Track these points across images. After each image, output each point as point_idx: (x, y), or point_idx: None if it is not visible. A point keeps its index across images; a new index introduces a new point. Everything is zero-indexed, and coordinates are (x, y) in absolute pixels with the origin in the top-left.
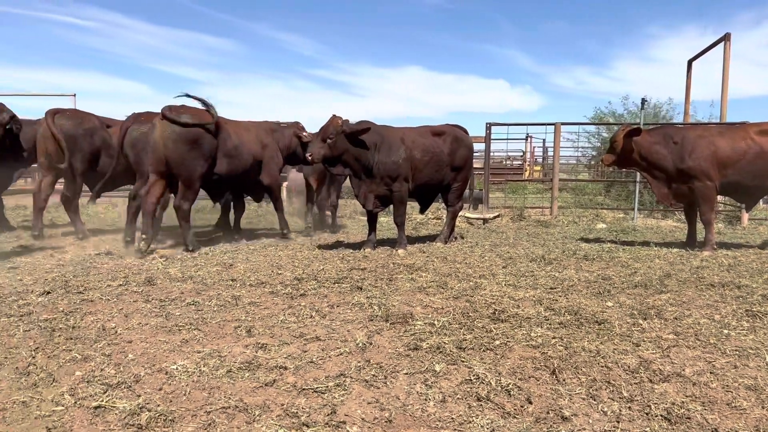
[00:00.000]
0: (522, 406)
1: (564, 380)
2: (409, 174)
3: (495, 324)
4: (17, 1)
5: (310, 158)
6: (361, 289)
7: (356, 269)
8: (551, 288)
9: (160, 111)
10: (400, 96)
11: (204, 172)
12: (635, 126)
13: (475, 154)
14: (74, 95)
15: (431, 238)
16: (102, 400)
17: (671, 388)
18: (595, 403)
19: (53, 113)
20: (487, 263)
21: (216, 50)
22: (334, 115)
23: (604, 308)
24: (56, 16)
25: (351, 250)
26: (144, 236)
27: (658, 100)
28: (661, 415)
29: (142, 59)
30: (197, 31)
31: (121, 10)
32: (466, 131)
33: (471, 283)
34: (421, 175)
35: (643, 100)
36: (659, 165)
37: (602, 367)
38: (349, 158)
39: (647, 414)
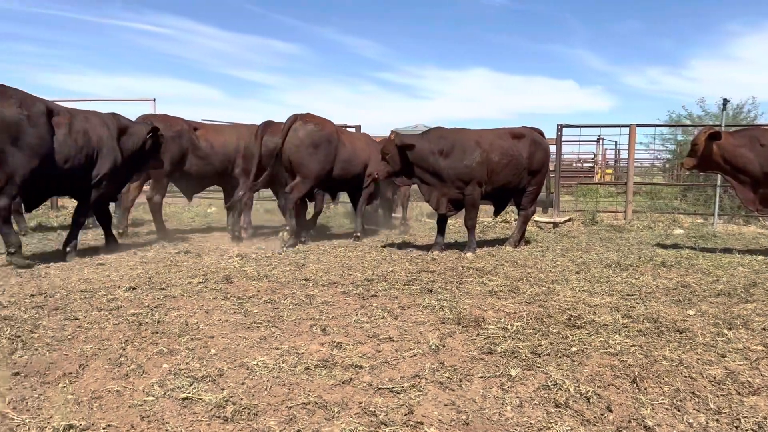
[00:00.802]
0: (602, 414)
1: (645, 389)
2: (484, 177)
3: (571, 330)
4: (101, 11)
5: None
6: (431, 291)
7: (425, 271)
8: (628, 295)
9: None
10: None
11: (320, 175)
12: (716, 129)
13: None
14: (154, 100)
15: (500, 242)
16: (189, 392)
17: (762, 401)
18: (679, 414)
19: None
20: (560, 268)
21: (284, 55)
22: (392, 132)
23: (685, 316)
24: (136, 25)
25: (419, 252)
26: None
27: (740, 101)
28: (752, 429)
29: (214, 64)
30: (266, 36)
31: (195, 17)
32: (542, 134)
33: (543, 288)
34: (498, 178)
35: (725, 101)
36: (745, 169)
37: (686, 377)
38: (412, 168)
39: (737, 428)
